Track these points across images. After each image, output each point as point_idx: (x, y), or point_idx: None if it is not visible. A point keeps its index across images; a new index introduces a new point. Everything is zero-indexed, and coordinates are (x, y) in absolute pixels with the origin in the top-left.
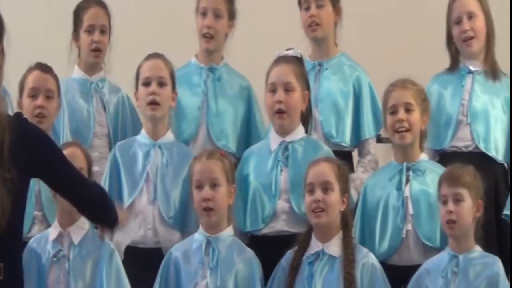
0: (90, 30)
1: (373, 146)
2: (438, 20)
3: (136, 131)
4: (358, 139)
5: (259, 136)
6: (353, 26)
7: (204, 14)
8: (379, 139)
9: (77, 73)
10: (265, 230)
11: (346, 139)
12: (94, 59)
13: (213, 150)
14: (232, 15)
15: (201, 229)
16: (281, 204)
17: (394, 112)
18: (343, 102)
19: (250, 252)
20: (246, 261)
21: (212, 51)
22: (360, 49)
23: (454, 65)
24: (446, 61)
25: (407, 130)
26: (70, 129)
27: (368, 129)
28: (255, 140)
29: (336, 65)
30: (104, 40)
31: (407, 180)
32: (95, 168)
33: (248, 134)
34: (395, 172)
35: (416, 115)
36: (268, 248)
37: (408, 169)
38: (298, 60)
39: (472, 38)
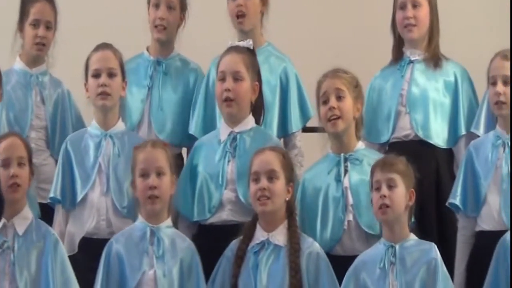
0: (35, 24)
1: (299, 139)
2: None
3: (75, 126)
4: (284, 132)
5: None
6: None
7: (157, 5)
8: (314, 129)
9: (19, 64)
10: (212, 220)
11: (273, 131)
12: (37, 53)
13: (156, 139)
14: (183, 7)
15: (141, 219)
16: (228, 194)
17: (326, 101)
18: (271, 95)
19: (189, 242)
20: (188, 250)
21: (164, 42)
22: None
23: (397, 55)
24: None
25: (339, 118)
26: (7, 119)
27: (295, 122)
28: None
29: (263, 55)
30: (49, 36)
31: (346, 171)
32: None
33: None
34: (333, 164)
35: (347, 102)
36: (215, 237)
37: (345, 159)
38: (249, 51)
39: (413, 25)
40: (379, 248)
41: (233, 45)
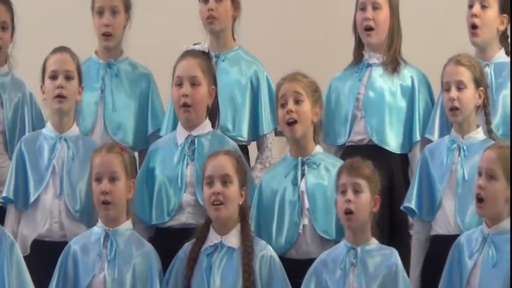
0: None
1: (271, 141)
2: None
3: (36, 129)
4: (256, 134)
5: (158, 125)
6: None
7: (100, 13)
8: (278, 133)
9: None
10: (171, 223)
11: (243, 133)
12: None
13: (113, 143)
14: (127, 7)
15: (99, 222)
16: (187, 197)
17: (284, 104)
18: (240, 96)
19: (148, 246)
20: (145, 254)
21: (112, 48)
22: (263, 43)
23: (357, 56)
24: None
25: (296, 122)
26: None
27: (267, 124)
28: (154, 128)
29: (233, 58)
30: (5, 37)
31: (303, 175)
32: None
33: (147, 124)
34: (290, 167)
35: (305, 106)
36: (174, 240)
37: (303, 163)
38: (205, 55)
39: (371, 29)
40: (340, 249)
41: (189, 49)
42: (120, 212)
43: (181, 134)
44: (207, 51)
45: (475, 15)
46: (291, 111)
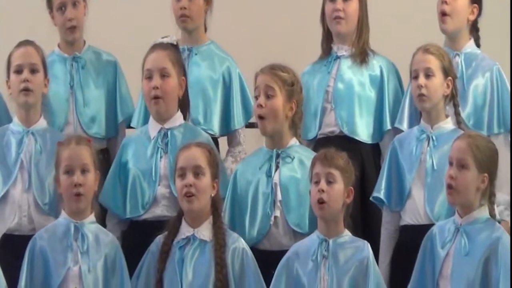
0: None
1: (242, 136)
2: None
3: (3, 124)
4: (227, 129)
5: (127, 111)
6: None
7: (62, 8)
8: (251, 124)
9: None
10: (146, 216)
11: (214, 127)
12: None
13: (80, 136)
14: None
15: (64, 215)
16: (161, 190)
17: (257, 96)
18: (212, 90)
19: (113, 237)
20: (112, 245)
21: (76, 40)
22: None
23: (324, 50)
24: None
25: (264, 118)
26: None
27: (238, 119)
28: (123, 116)
29: (205, 52)
30: None
31: (277, 167)
32: None
33: (116, 110)
34: (265, 159)
35: (277, 101)
36: (149, 233)
37: (278, 155)
38: (174, 47)
39: (341, 18)
40: (313, 240)
41: (157, 42)
42: (88, 205)
43: (153, 127)
44: (175, 43)
45: (446, 2)
46: (261, 105)
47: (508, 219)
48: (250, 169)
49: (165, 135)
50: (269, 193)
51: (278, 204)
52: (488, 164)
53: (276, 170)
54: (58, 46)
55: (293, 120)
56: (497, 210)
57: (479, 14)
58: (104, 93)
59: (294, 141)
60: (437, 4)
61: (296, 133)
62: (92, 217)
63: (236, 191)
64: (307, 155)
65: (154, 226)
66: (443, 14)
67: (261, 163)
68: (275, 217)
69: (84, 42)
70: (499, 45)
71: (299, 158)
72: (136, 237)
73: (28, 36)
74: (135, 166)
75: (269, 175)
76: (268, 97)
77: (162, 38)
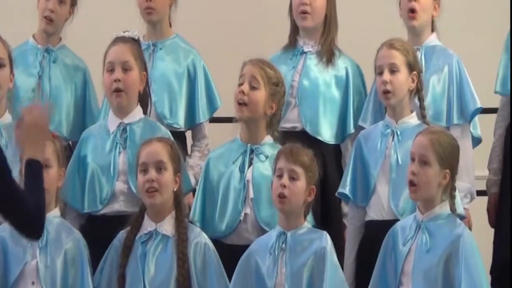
0: None
1: (207, 129)
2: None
3: None
4: (192, 122)
5: (93, 121)
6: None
7: None
8: (216, 119)
9: None
10: (104, 211)
11: (179, 121)
12: None
13: None
14: (74, 2)
15: None
16: (120, 185)
17: (241, 84)
18: (177, 84)
19: (77, 233)
20: (75, 241)
21: (51, 33)
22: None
23: (291, 42)
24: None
25: (245, 104)
26: None
27: (203, 112)
28: (90, 124)
29: (170, 46)
30: None
31: (250, 163)
32: None
33: (83, 118)
34: (239, 153)
35: (259, 95)
36: (107, 228)
37: (252, 151)
38: (136, 41)
39: (307, 13)
40: (271, 234)
41: (119, 35)
42: (51, 200)
43: (112, 121)
44: (137, 37)
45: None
46: (243, 92)
47: (468, 206)
48: (223, 160)
49: (124, 130)
50: (241, 189)
51: (249, 201)
52: (449, 160)
53: (249, 166)
54: (33, 37)
55: (271, 120)
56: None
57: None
58: (71, 95)
59: (268, 139)
60: (402, 1)
61: (273, 134)
62: (55, 212)
63: (208, 180)
64: None
65: (113, 221)
66: (412, 11)
67: (234, 157)
68: (245, 214)
69: (60, 39)
70: (459, 41)
71: (272, 156)
72: (95, 232)
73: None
74: (93, 161)
75: (242, 171)
76: (252, 87)
77: (124, 32)
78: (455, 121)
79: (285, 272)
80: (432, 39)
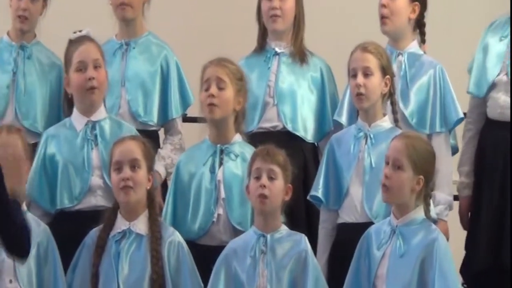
0: None
1: (180, 125)
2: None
3: None
4: (165, 118)
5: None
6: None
7: None
8: (188, 119)
9: None
10: (80, 206)
11: (154, 118)
12: None
13: (11, 125)
14: None
15: None
16: (95, 180)
17: (207, 88)
18: (151, 81)
19: (44, 226)
20: (44, 234)
21: (25, 31)
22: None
23: (261, 45)
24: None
25: (216, 106)
26: None
27: (176, 108)
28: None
29: (143, 44)
30: None
31: (221, 163)
32: None
33: (59, 114)
34: (209, 154)
35: (228, 93)
36: (84, 223)
37: (221, 151)
38: (95, 40)
39: (278, 16)
40: (250, 236)
41: (76, 36)
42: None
43: (78, 120)
44: (92, 36)
45: (384, 6)
46: (213, 95)
47: (447, 219)
48: (193, 161)
49: (93, 127)
50: (213, 190)
51: (221, 202)
52: (424, 166)
53: (219, 166)
54: (8, 34)
55: (238, 116)
56: (436, 209)
57: (425, 9)
58: (46, 91)
59: (238, 137)
60: (378, 6)
61: (239, 129)
62: (22, 206)
63: (179, 182)
64: (250, 151)
65: (90, 216)
66: (382, 17)
67: (204, 158)
68: (218, 214)
69: (35, 36)
70: (443, 44)
71: (243, 156)
72: (71, 227)
73: None
74: (64, 158)
75: (212, 171)
76: (219, 89)
77: (79, 31)
78: (438, 129)
79: (267, 275)
80: (413, 45)
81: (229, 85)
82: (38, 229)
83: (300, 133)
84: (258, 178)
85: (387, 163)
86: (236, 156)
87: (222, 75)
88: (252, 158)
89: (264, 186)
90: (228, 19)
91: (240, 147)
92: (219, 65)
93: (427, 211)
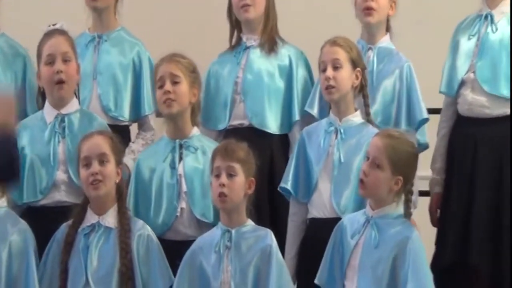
0: None
1: (153, 122)
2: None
3: None
4: (137, 115)
5: (34, 109)
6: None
7: None
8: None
9: None
10: (44, 201)
11: (124, 114)
12: None
13: None
14: None
15: None
16: (60, 175)
17: (162, 85)
18: (122, 76)
19: (24, 224)
20: (20, 232)
21: None
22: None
23: (235, 41)
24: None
25: (174, 101)
26: None
27: (148, 105)
28: (32, 112)
29: (116, 38)
30: None
31: (180, 158)
32: None
33: (25, 106)
34: (168, 150)
35: (183, 87)
36: (48, 219)
37: (180, 146)
38: (67, 33)
39: (249, 5)
40: (215, 232)
41: (50, 29)
42: None
43: (49, 112)
44: (66, 29)
45: None
46: (169, 91)
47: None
48: (153, 158)
49: (62, 120)
50: (174, 184)
51: (183, 195)
52: (403, 167)
53: (180, 161)
54: None
55: (193, 108)
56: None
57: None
58: (12, 82)
59: (195, 131)
60: (358, 1)
61: (195, 122)
62: (2, 202)
63: (140, 179)
64: (209, 144)
65: (54, 212)
66: (369, 9)
67: (164, 154)
68: (181, 208)
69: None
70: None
71: (202, 149)
72: (36, 222)
73: None
74: (32, 152)
75: (173, 167)
76: (174, 83)
77: (53, 25)
78: (403, 127)
79: (231, 270)
80: (385, 40)
81: (183, 79)
82: (14, 227)
83: (266, 127)
84: (218, 176)
85: (367, 159)
86: (196, 149)
87: (175, 71)
88: (212, 156)
89: (223, 184)
90: (205, 16)
91: (199, 140)
92: (171, 61)
93: (406, 209)
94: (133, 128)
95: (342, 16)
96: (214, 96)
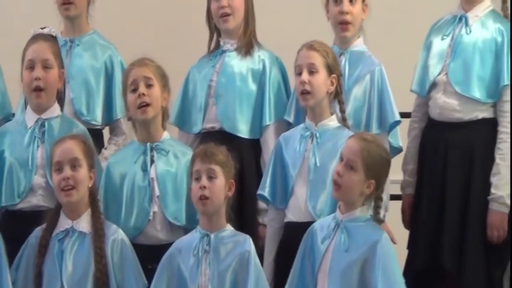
0: None
1: (125, 126)
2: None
3: None
4: (110, 119)
5: (4, 111)
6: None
7: None
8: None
9: None
10: (21, 205)
11: (97, 118)
12: None
13: None
14: None
15: None
16: (38, 180)
17: (135, 89)
18: (95, 80)
19: None
20: None
21: None
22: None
23: (214, 46)
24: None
25: (149, 105)
26: None
27: (120, 108)
28: (1, 114)
29: (88, 42)
30: None
31: (152, 161)
32: None
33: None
34: (139, 153)
35: (156, 90)
36: (25, 223)
37: (152, 149)
38: (54, 39)
39: (228, 15)
40: (194, 236)
41: (37, 32)
42: None
43: (30, 117)
44: (54, 34)
45: (346, 13)
46: (143, 94)
47: (386, 220)
48: (124, 162)
49: (42, 125)
50: (146, 188)
51: (156, 199)
52: (376, 171)
53: (151, 164)
54: None
55: (163, 112)
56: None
57: None
58: None
59: (166, 135)
60: (333, 14)
61: (164, 126)
62: None
63: (110, 184)
64: (181, 149)
65: (30, 216)
66: (345, 23)
67: (135, 157)
68: (154, 212)
69: None
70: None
71: (174, 152)
72: (12, 226)
73: None
74: (11, 155)
75: (145, 170)
76: (148, 86)
77: (42, 28)
78: (374, 130)
79: (209, 274)
80: (358, 43)
81: (156, 83)
82: None
83: (236, 132)
84: (198, 179)
85: (341, 160)
86: (167, 152)
87: (148, 74)
88: (191, 160)
89: (204, 187)
90: (179, 20)
91: (170, 144)
92: (143, 65)
93: (376, 213)
94: (106, 132)
95: (319, 19)
96: (191, 100)
